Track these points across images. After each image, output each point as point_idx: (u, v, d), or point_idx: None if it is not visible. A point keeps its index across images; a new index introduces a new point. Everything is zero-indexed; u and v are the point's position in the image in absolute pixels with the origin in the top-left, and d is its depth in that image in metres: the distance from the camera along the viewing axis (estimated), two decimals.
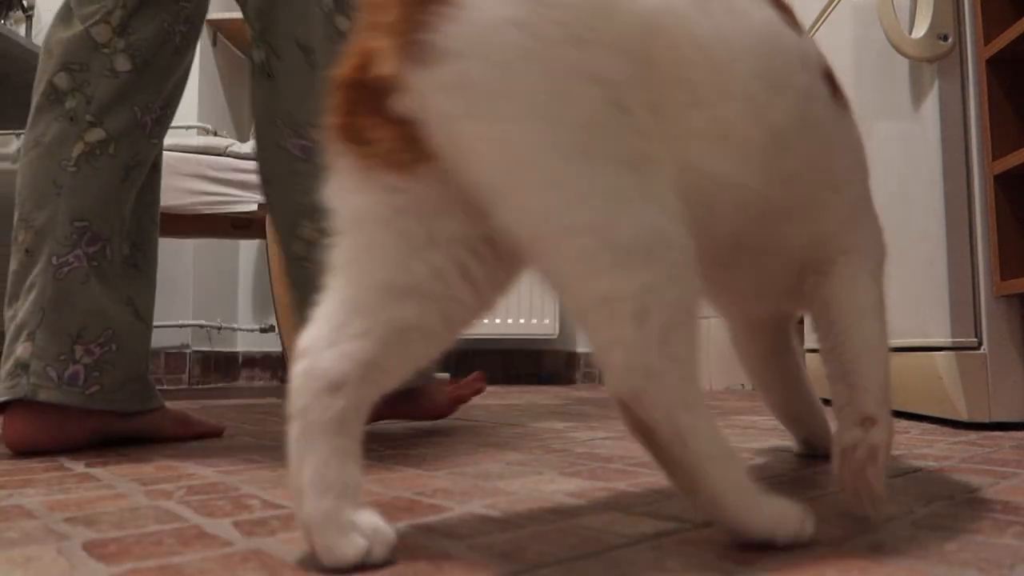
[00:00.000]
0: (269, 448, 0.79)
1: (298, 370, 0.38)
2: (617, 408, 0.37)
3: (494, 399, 1.62)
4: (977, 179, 1.02)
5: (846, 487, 0.47)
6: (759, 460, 0.70)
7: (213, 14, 2.26)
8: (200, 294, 2.23)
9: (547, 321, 2.45)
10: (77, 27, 0.87)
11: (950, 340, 1.01)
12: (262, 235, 1.83)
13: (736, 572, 0.35)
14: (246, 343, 2.47)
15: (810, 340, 1.51)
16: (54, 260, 0.83)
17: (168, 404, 0.91)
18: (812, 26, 1.47)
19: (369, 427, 0.96)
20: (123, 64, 0.87)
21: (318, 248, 0.65)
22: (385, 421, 1.04)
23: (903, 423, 1.07)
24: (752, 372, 0.73)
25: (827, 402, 0.58)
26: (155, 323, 0.87)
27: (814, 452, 0.72)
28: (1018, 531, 0.42)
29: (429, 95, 0.36)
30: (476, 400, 1.59)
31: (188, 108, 2.23)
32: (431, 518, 0.46)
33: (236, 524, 0.45)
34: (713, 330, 2.15)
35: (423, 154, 0.37)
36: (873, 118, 1.19)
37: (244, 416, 1.19)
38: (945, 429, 0.98)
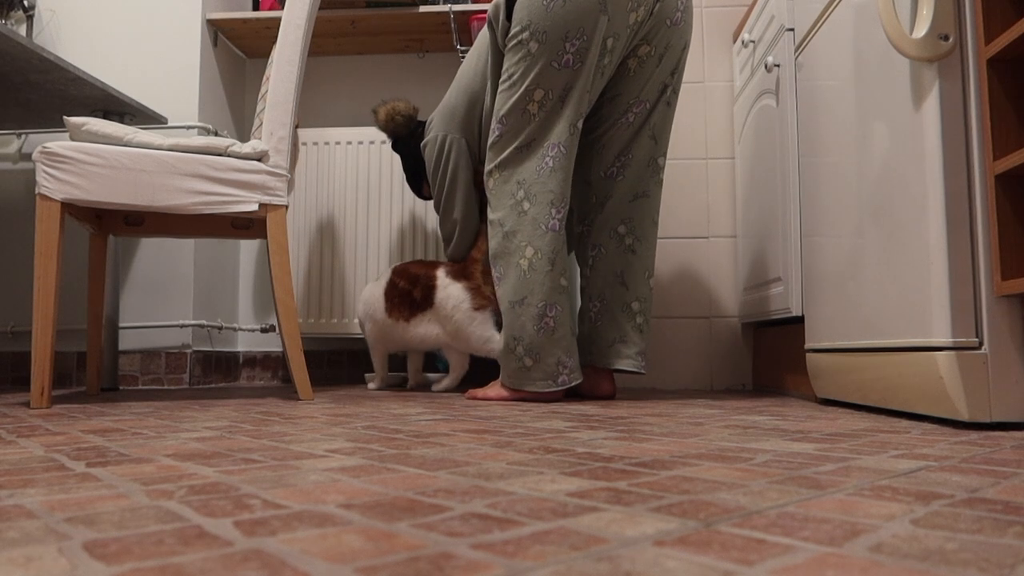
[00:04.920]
0: (269, 448, 0.79)
1: None
2: None
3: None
4: (978, 179, 1.02)
5: None
6: (761, 459, 0.70)
7: (213, 14, 2.27)
8: (200, 294, 2.23)
9: None
10: None
11: (951, 340, 1.01)
12: (262, 235, 1.83)
13: (736, 572, 0.35)
14: (246, 343, 2.47)
15: (811, 340, 1.51)
16: None
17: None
18: (812, 26, 1.47)
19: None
20: None
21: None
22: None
23: (903, 423, 1.07)
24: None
25: None
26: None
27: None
28: (1018, 531, 0.42)
29: None
30: (477, 399, 1.59)
31: (188, 108, 2.23)
32: (432, 518, 0.46)
33: (236, 524, 0.45)
34: (714, 330, 2.15)
35: None
36: (873, 118, 1.19)
37: (245, 416, 1.19)
38: (945, 429, 0.98)
